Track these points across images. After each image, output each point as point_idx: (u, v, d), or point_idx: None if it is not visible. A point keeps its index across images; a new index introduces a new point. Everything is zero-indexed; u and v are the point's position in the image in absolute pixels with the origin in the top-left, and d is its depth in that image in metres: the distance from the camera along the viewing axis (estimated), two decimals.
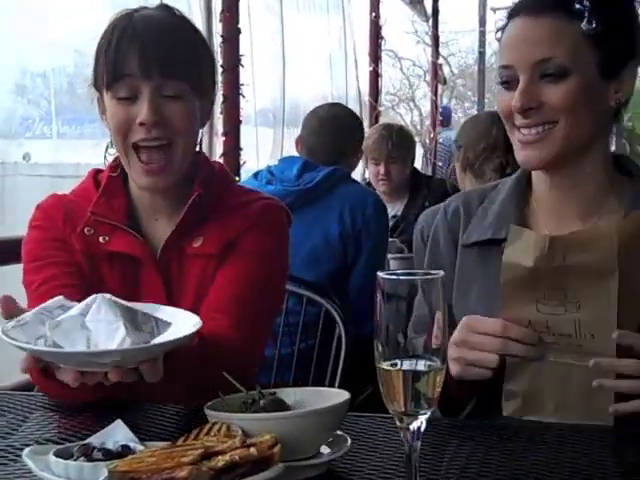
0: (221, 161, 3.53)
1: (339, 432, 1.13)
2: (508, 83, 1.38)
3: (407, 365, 0.88)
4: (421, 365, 0.89)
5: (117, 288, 1.47)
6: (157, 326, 1.08)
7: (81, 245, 1.49)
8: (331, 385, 2.10)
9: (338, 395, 1.13)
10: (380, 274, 0.89)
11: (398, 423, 0.91)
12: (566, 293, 1.24)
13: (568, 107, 1.33)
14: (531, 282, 1.25)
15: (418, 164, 5.32)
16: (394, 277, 0.89)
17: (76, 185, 1.60)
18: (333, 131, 2.79)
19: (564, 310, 1.23)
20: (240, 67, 3.61)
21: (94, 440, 1.04)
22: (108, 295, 1.10)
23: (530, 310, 1.25)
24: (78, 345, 1.03)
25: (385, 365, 0.89)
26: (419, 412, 0.89)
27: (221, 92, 3.46)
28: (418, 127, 18.10)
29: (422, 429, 0.90)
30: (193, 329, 1.09)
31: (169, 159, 1.46)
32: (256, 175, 2.70)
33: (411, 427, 0.90)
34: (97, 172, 1.59)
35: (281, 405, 1.13)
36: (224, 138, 3.61)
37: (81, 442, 1.03)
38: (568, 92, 1.32)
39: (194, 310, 1.39)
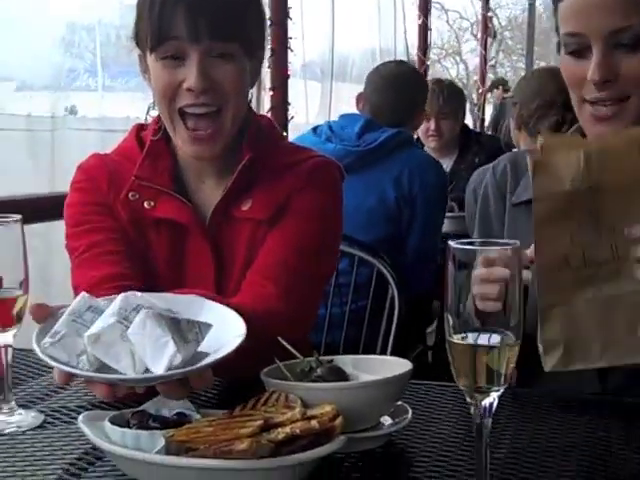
0: (269, 116, 3.47)
1: (399, 402, 1.09)
2: (578, 52, 1.28)
3: (479, 339, 0.83)
4: (494, 339, 0.84)
5: (164, 255, 1.43)
6: (200, 331, 1.01)
7: (126, 212, 1.43)
8: (383, 345, 2.06)
9: (400, 365, 1.09)
10: (452, 243, 0.84)
11: (468, 399, 0.86)
12: (599, 216, 1.14)
13: None
14: (565, 211, 1.15)
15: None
16: (468, 247, 0.84)
17: (119, 142, 1.53)
18: (398, 91, 2.68)
19: (599, 235, 1.13)
20: (289, 20, 3.53)
21: (149, 407, 1.01)
22: (149, 306, 1.00)
23: (565, 243, 1.14)
24: (122, 361, 0.96)
25: (456, 339, 0.84)
26: (491, 389, 0.84)
27: (269, 46, 3.38)
28: (464, 81, 17.74)
29: (494, 406, 0.85)
30: (238, 339, 1.02)
31: (218, 126, 1.38)
32: (315, 130, 2.61)
33: (482, 404, 0.85)
34: (140, 129, 1.51)
35: (340, 374, 1.09)
36: (272, 92, 3.55)
37: (136, 409, 1.00)
38: None
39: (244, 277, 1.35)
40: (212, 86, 1.36)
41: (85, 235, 1.41)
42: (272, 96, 3.59)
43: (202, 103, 1.36)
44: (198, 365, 0.96)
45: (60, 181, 2.62)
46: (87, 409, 1.15)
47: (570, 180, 1.14)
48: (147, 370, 0.96)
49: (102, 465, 0.98)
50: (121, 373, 0.96)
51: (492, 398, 0.85)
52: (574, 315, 1.15)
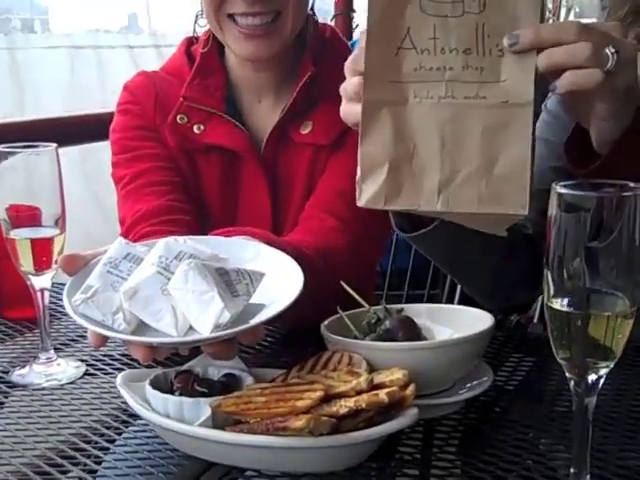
0: (332, 24, 3.26)
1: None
2: None
3: (585, 306, 0.68)
4: (603, 307, 0.68)
5: (215, 185, 1.30)
6: (251, 282, 0.87)
7: (174, 137, 1.29)
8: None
9: (480, 318, 0.95)
10: (557, 186, 0.68)
11: (568, 374, 0.71)
12: None
13: None
14: None
15: None
16: (578, 190, 0.67)
17: (168, 58, 1.38)
18: None
19: (461, 9, 0.80)
20: None
21: (196, 365, 0.90)
22: (192, 256, 0.87)
23: (410, 9, 0.81)
24: (163, 318, 0.83)
25: (557, 304, 0.69)
26: (598, 364, 0.70)
27: None
28: None
29: (600, 384, 0.71)
30: (295, 292, 0.86)
31: (275, 28, 1.22)
32: None
33: (587, 379, 0.70)
34: (190, 43, 1.36)
35: (411, 327, 0.95)
36: None
37: (181, 368, 0.89)
38: None
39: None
40: None
41: (130, 163, 1.29)
42: (336, 3, 3.37)
43: (256, 12, 1.20)
44: (248, 325, 0.83)
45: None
46: (131, 358, 1.05)
47: None
48: (191, 328, 0.84)
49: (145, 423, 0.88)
50: (162, 332, 0.84)
51: (599, 374, 0.70)
52: (408, 122, 0.81)
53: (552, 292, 0.69)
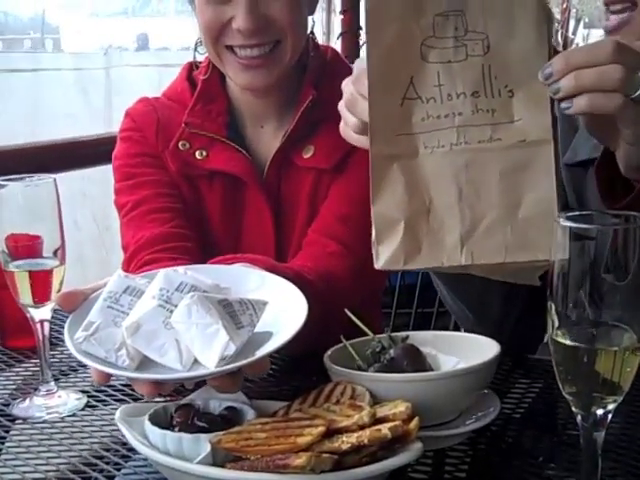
0: (339, 42, 3.26)
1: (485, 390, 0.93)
2: None
3: (591, 340, 0.66)
4: (610, 341, 0.66)
5: (218, 211, 1.29)
6: (255, 312, 0.85)
7: (176, 163, 1.28)
8: None
9: (486, 346, 0.93)
10: (561, 218, 0.66)
11: (574, 409, 0.70)
12: (466, 19, 0.78)
13: None
14: (413, 0, 0.78)
15: None
16: (582, 223, 0.66)
17: (169, 83, 1.38)
18: None
19: (465, 53, 0.78)
20: None
21: (196, 398, 0.88)
22: (193, 287, 0.85)
23: (412, 58, 0.78)
24: (168, 353, 0.82)
25: (562, 337, 0.67)
26: (605, 399, 0.68)
27: None
28: None
29: (608, 418, 0.69)
30: (300, 321, 0.83)
31: (274, 57, 1.22)
32: None
33: (594, 415, 0.69)
34: (192, 68, 1.35)
35: (416, 356, 0.94)
36: (342, 16, 3.32)
37: (181, 402, 0.87)
38: None
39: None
40: (265, 24, 1.18)
41: (133, 190, 1.28)
42: (343, 20, 3.36)
43: (254, 44, 1.20)
44: (254, 358, 0.81)
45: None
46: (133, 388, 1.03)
47: None
48: (196, 361, 0.82)
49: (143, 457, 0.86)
50: (166, 367, 0.82)
51: (607, 409, 0.68)
52: (421, 175, 0.78)
53: (557, 324, 0.68)
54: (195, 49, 1.30)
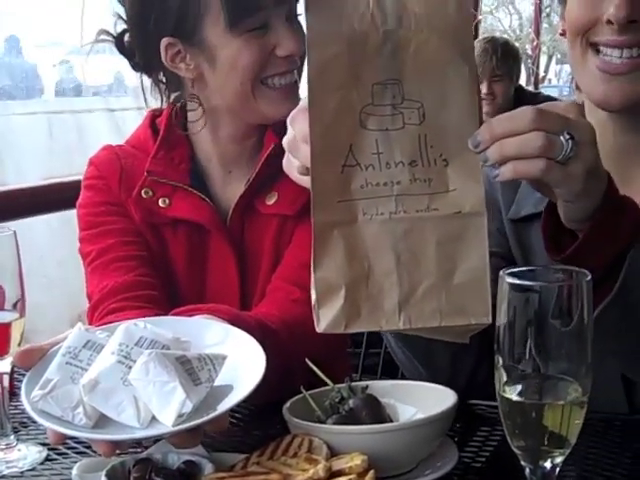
0: None
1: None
2: None
3: (538, 394, 0.68)
4: (556, 394, 0.68)
5: (182, 259, 1.29)
6: (214, 367, 0.86)
7: (139, 212, 1.29)
8: None
9: (444, 394, 0.94)
10: (505, 273, 0.68)
11: (522, 462, 0.71)
12: (402, 87, 0.79)
13: None
14: (352, 71, 0.79)
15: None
16: (524, 280, 0.67)
17: (133, 131, 1.39)
18: None
19: (401, 121, 0.79)
20: None
21: (155, 452, 0.88)
22: (153, 341, 0.86)
23: (350, 125, 0.79)
24: (125, 411, 0.82)
25: (508, 393, 0.69)
26: (552, 453, 0.69)
27: None
28: (518, 32, 17.17)
29: (556, 471, 0.70)
30: (259, 375, 0.85)
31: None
32: None
33: (542, 468, 0.70)
34: (154, 115, 1.36)
35: (374, 407, 0.94)
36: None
37: (139, 456, 0.87)
38: None
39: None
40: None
41: (97, 239, 1.28)
42: None
43: (288, 70, 1.25)
44: (212, 415, 0.82)
45: None
46: None
47: (354, 22, 0.79)
48: (154, 419, 0.82)
49: None
50: (124, 425, 0.82)
51: (555, 462, 0.70)
52: (360, 241, 0.80)
53: (504, 379, 0.69)
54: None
